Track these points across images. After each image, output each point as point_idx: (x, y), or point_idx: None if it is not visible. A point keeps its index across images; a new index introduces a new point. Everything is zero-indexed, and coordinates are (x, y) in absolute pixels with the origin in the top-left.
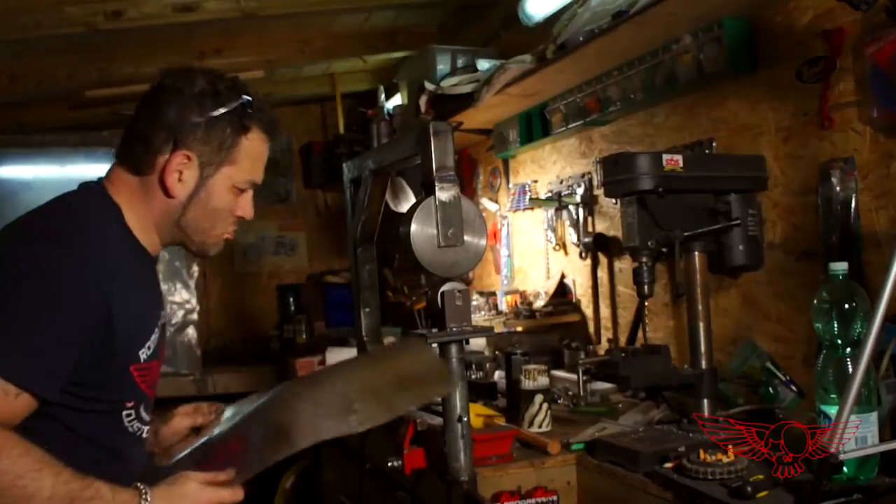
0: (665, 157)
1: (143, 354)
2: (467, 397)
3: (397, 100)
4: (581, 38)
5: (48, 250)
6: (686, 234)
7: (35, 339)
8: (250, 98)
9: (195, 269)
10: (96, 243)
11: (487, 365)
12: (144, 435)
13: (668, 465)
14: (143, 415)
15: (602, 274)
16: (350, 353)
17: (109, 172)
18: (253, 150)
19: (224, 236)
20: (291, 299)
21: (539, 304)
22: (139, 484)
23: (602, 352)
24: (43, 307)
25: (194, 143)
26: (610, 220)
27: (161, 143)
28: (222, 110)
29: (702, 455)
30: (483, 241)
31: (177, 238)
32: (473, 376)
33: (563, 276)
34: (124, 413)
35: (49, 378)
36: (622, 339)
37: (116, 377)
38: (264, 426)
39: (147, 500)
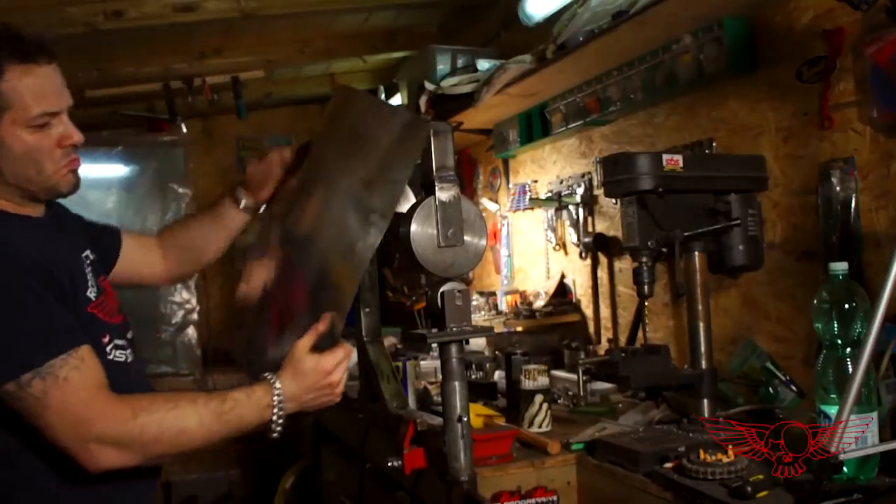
0: (665, 157)
1: (91, 294)
2: (467, 397)
3: (397, 100)
4: (581, 38)
5: None
6: (686, 234)
7: (44, 319)
8: None
9: None
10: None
11: (487, 365)
12: (129, 359)
13: (668, 465)
14: (119, 342)
15: (602, 274)
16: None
17: None
18: (21, 86)
19: (64, 170)
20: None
21: (539, 304)
22: (266, 375)
23: (602, 352)
24: (19, 302)
25: None
26: (610, 220)
27: None
28: None
29: (702, 455)
30: (483, 241)
31: (23, 193)
32: (473, 376)
33: (563, 276)
34: (106, 349)
35: (77, 328)
36: (622, 339)
37: (85, 321)
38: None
39: (277, 388)
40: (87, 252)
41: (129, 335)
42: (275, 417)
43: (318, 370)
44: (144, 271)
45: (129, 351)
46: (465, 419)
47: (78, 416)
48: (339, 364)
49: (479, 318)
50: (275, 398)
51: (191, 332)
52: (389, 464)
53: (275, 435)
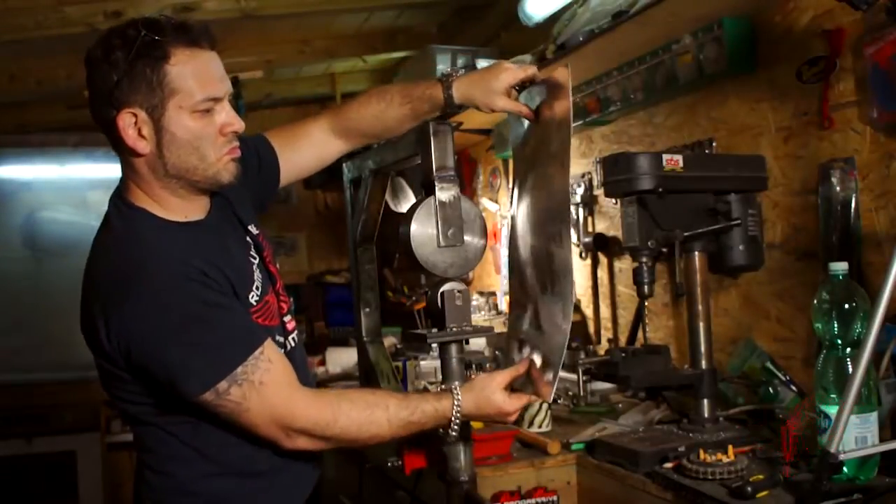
0: (665, 157)
1: (253, 298)
2: None
3: None
4: (581, 38)
5: (161, 294)
6: (686, 234)
7: (226, 325)
8: (154, 26)
9: None
10: (164, 254)
11: (487, 365)
12: (292, 344)
13: (668, 465)
14: (280, 338)
15: (602, 274)
16: (350, 353)
17: (122, 172)
18: (186, 71)
19: (225, 158)
20: (292, 299)
21: None
22: (453, 388)
23: (602, 352)
24: (196, 311)
25: (128, 98)
26: (610, 220)
27: (107, 115)
28: (131, 55)
29: (702, 455)
30: (483, 241)
31: (186, 188)
32: (473, 376)
33: None
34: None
35: (255, 325)
36: (622, 339)
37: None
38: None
39: (458, 402)
40: (252, 253)
41: (291, 327)
42: (450, 430)
43: (502, 410)
44: (323, 156)
45: (293, 335)
46: None
47: (280, 415)
48: (520, 409)
49: (479, 318)
50: (455, 415)
51: None
52: (389, 463)
53: (451, 436)
